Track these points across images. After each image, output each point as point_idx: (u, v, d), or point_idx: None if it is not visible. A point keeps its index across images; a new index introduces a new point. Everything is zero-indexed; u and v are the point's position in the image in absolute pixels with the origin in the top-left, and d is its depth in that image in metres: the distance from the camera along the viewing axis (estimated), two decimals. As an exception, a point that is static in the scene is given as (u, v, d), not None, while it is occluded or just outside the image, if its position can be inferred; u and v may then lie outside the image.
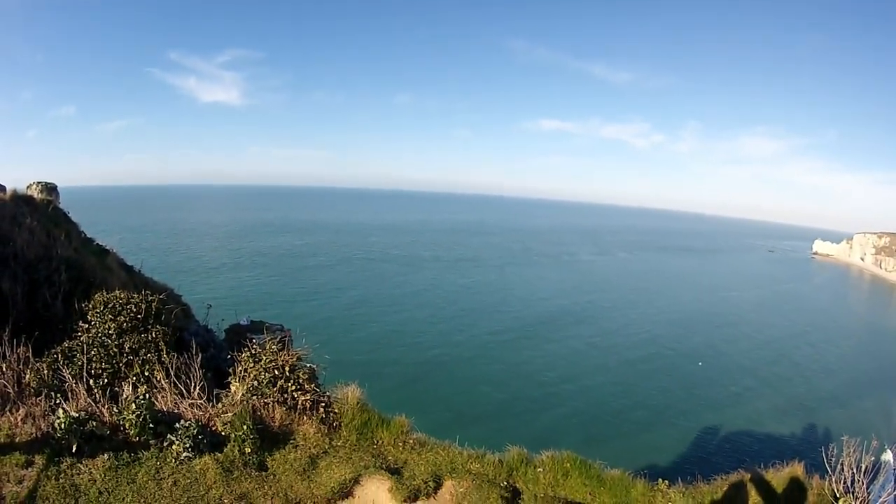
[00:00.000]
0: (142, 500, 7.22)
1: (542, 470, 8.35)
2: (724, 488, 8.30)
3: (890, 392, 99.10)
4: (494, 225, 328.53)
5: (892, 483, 8.44)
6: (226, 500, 7.55)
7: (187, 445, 8.03)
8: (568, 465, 8.38)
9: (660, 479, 8.35)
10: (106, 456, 7.75)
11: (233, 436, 8.29)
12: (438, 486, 8.13)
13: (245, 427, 8.36)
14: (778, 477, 8.57)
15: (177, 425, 8.22)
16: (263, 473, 8.03)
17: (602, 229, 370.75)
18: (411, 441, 8.65)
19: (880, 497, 8.19)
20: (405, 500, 7.87)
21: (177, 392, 8.67)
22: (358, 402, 8.90)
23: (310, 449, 8.39)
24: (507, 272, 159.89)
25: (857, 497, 8.21)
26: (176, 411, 8.54)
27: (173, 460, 7.92)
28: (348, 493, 7.98)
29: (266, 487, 7.85)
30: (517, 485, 8.18)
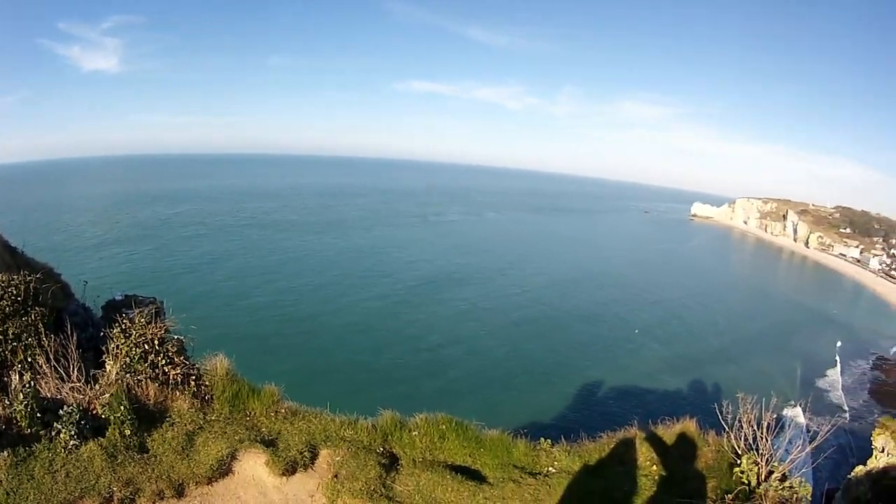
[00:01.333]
0: (42, 498, 7.24)
1: (417, 433, 7.94)
2: (612, 445, 7.67)
3: (784, 351, 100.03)
4: (364, 187, 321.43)
5: (803, 439, 7.47)
6: (115, 488, 7.62)
7: (73, 433, 8.05)
8: (444, 427, 7.91)
9: (542, 439, 7.81)
10: (6, 453, 7.79)
11: (112, 418, 8.24)
12: (314, 456, 7.92)
13: (122, 408, 8.24)
14: (669, 433, 7.86)
15: (60, 412, 8.25)
16: (145, 455, 8.04)
17: (473, 190, 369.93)
18: (283, 410, 8.33)
19: (790, 453, 7.34)
20: (283, 474, 7.76)
21: (58, 376, 8.58)
22: (227, 373, 8.50)
23: (185, 426, 8.27)
24: (376, 234, 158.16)
25: (762, 454, 7.39)
26: (59, 397, 8.53)
27: (62, 450, 7.99)
28: (228, 470, 7.93)
29: (150, 470, 7.86)
30: (394, 450, 7.86)
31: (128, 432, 8.16)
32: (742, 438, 8.04)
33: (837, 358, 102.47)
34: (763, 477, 7.66)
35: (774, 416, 8.10)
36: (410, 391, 57.67)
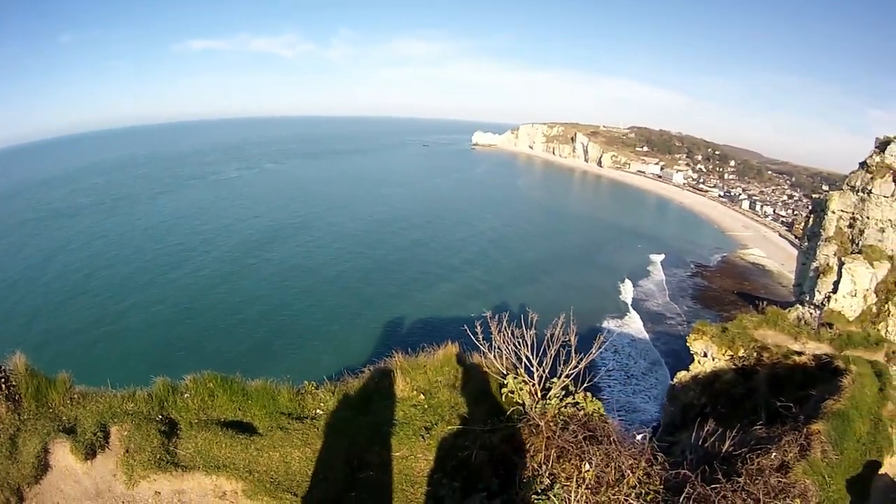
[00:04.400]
0: None
1: (188, 395, 7.13)
2: (374, 379, 6.41)
3: (600, 266, 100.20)
4: (145, 156, 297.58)
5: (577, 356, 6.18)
6: None
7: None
8: (211, 385, 7.29)
9: (306, 382, 6.89)
10: None
11: (-47, 436, 8.23)
12: (107, 435, 7.40)
13: (-41, 424, 8.18)
14: (432, 360, 6.82)
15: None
16: (-15, 467, 8.05)
17: (248, 143, 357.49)
18: (76, 395, 7.75)
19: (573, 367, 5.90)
20: (86, 458, 7.40)
21: None
22: (27, 369, 8.02)
23: (7, 430, 7.94)
24: (166, 204, 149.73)
25: (533, 374, 6.88)
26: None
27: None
28: (47, 465, 7.71)
29: (-5, 481, 7.89)
30: (171, 415, 7.18)
31: (-33, 448, 8.09)
32: (503, 358, 7.09)
33: (660, 268, 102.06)
34: (538, 395, 6.26)
35: (534, 333, 7.19)
36: (225, 358, 60.70)
